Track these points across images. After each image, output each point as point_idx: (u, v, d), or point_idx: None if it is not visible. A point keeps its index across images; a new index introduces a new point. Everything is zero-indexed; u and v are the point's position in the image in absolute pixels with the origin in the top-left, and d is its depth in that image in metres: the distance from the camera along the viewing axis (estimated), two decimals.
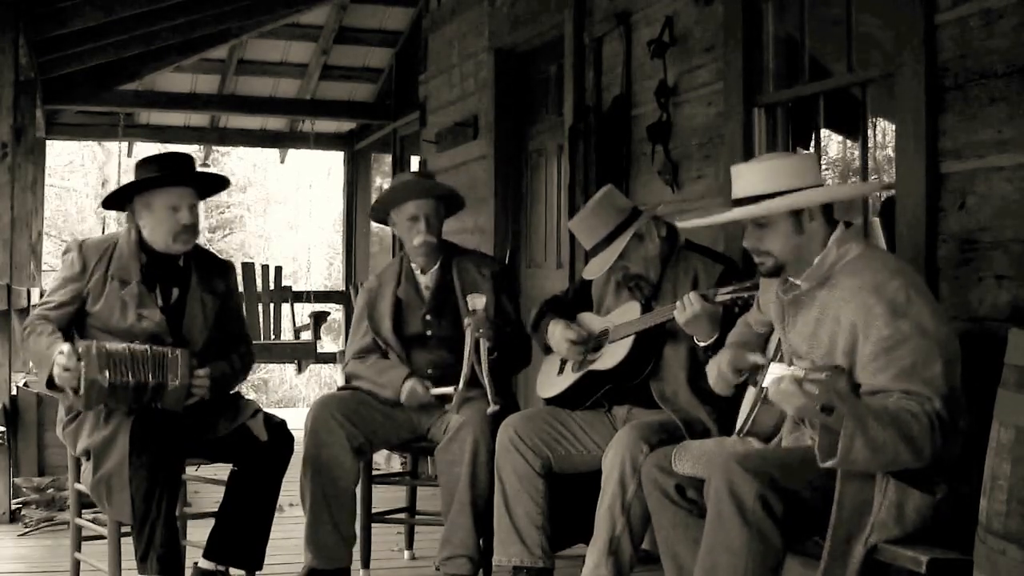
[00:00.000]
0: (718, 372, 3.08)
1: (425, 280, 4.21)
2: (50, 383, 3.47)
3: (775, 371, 2.59)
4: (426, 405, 4.04)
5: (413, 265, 4.23)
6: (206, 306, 3.76)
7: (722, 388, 3.12)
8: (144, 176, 3.69)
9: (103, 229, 18.93)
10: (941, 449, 2.55)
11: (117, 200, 3.79)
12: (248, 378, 4.02)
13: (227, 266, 3.96)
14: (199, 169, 3.83)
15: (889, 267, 2.72)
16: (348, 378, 4.24)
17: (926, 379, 2.56)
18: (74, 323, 3.66)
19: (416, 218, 4.11)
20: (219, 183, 3.92)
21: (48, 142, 9.94)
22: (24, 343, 3.66)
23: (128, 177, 4.34)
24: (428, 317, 4.16)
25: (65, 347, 3.43)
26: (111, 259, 3.68)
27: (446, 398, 3.98)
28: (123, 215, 3.81)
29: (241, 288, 9.30)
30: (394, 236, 8.80)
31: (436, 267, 4.21)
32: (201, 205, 3.84)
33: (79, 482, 3.70)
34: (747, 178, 2.88)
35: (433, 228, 4.13)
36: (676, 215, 4.20)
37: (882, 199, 4.70)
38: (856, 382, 2.66)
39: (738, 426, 3.06)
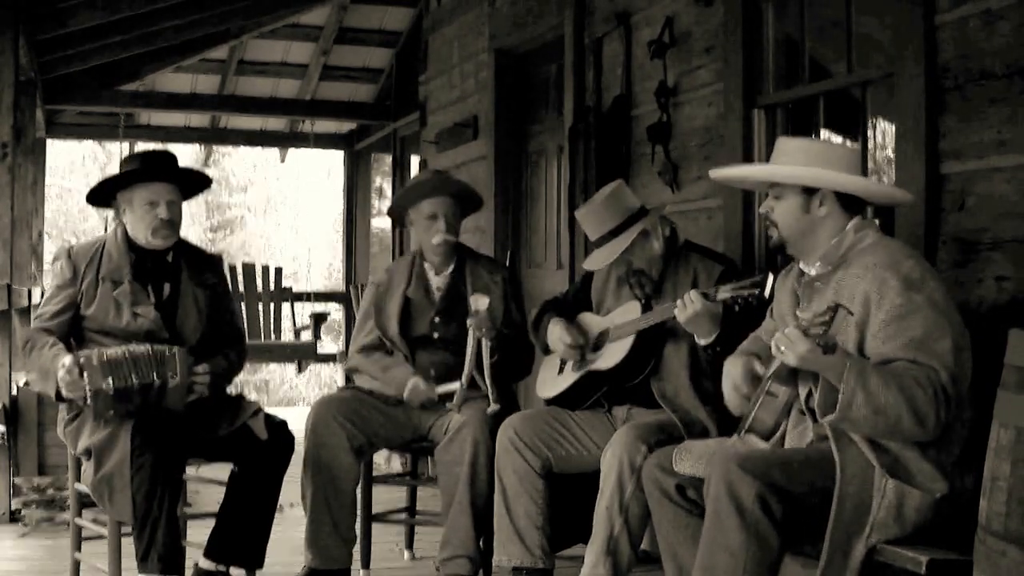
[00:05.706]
0: (733, 387, 3.00)
1: (437, 281, 4.20)
2: (59, 396, 3.50)
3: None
4: (428, 403, 4.04)
5: (427, 265, 4.21)
6: (199, 299, 3.77)
7: (736, 405, 3.02)
8: (125, 171, 3.71)
9: (105, 229, 18.90)
10: (944, 426, 2.55)
11: (101, 196, 3.81)
12: (246, 376, 4.01)
13: (215, 259, 3.98)
14: (181, 166, 3.82)
15: (904, 251, 2.77)
16: (351, 371, 4.24)
17: (934, 352, 2.57)
18: (72, 329, 3.67)
19: (435, 216, 4.10)
20: (201, 181, 3.92)
21: (48, 142, 9.94)
22: (26, 358, 3.66)
23: None
24: (437, 319, 4.15)
25: (67, 360, 3.43)
26: (101, 261, 3.69)
27: (448, 396, 3.98)
28: None
29: (242, 288, 9.36)
30: (394, 236, 8.82)
31: (450, 269, 4.20)
32: (186, 204, 3.85)
33: (79, 482, 3.70)
34: (788, 149, 2.93)
35: (452, 227, 4.12)
36: (676, 216, 4.21)
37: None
38: (865, 354, 2.67)
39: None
